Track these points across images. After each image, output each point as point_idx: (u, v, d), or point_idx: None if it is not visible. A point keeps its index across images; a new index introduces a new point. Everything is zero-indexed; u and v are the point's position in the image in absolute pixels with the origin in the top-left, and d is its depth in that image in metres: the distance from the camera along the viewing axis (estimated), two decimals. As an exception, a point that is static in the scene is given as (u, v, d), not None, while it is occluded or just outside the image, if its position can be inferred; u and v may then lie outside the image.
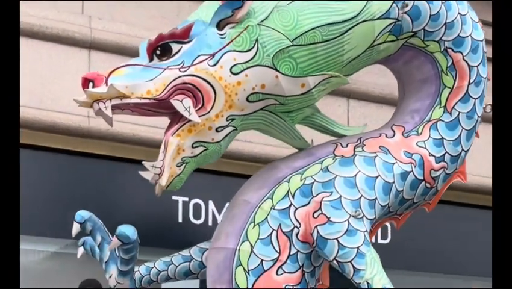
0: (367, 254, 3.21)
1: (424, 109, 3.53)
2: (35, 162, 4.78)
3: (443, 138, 3.49)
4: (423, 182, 3.46)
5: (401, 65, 3.58)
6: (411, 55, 3.51)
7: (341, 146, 3.46)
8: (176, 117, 3.28)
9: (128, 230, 3.39)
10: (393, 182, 3.37)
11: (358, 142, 3.46)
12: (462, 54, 3.48)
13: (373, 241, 4.91)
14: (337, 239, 3.22)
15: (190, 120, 3.22)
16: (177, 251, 3.73)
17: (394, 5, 3.35)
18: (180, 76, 3.20)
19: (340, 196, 3.27)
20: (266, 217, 3.33)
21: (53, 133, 4.81)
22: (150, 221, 4.97)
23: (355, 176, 3.32)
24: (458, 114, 3.50)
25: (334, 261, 3.24)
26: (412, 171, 3.41)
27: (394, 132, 3.50)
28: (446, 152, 3.49)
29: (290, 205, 3.34)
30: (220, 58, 3.21)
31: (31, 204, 4.64)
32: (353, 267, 3.20)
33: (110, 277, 3.62)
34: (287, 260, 3.30)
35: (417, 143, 3.46)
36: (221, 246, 3.37)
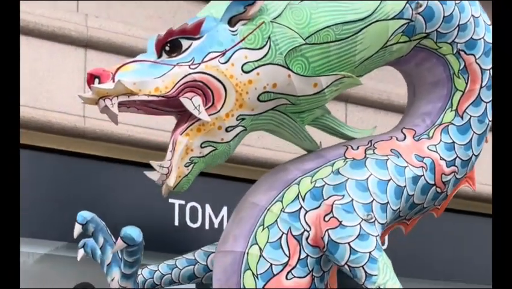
0: (379, 259, 3.16)
1: (436, 112, 3.48)
2: (30, 162, 4.68)
3: (454, 142, 3.44)
4: (434, 187, 3.40)
5: (412, 67, 3.53)
6: (422, 56, 3.46)
7: (352, 148, 3.40)
8: (184, 116, 3.20)
9: (134, 232, 3.31)
10: (405, 186, 3.32)
11: (369, 144, 3.41)
12: (474, 57, 3.43)
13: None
14: (348, 243, 3.16)
15: (199, 119, 3.14)
16: (174, 255, 3.65)
17: (408, 5, 3.30)
18: (190, 73, 3.12)
19: (352, 199, 3.22)
20: (276, 220, 3.26)
21: (48, 133, 4.73)
22: (146, 224, 4.83)
23: (367, 179, 3.26)
24: (470, 118, 3.46)
25: (345, 266, 3.18)
26: (423, 175, 3.36)
27: (405, 135, 3.45)
28: (457, 156, 3.44)
29: (300, 208, 3.27)
30: (232, 56, 3.14)
31: (23, 204, 4.53)
32: (366, 272, 3.14)
33: (112, 280, 3.54)
34: (296, 264, 3.23)
35: (428, 147, 3.42)
36: (229, 249, 3.30)
